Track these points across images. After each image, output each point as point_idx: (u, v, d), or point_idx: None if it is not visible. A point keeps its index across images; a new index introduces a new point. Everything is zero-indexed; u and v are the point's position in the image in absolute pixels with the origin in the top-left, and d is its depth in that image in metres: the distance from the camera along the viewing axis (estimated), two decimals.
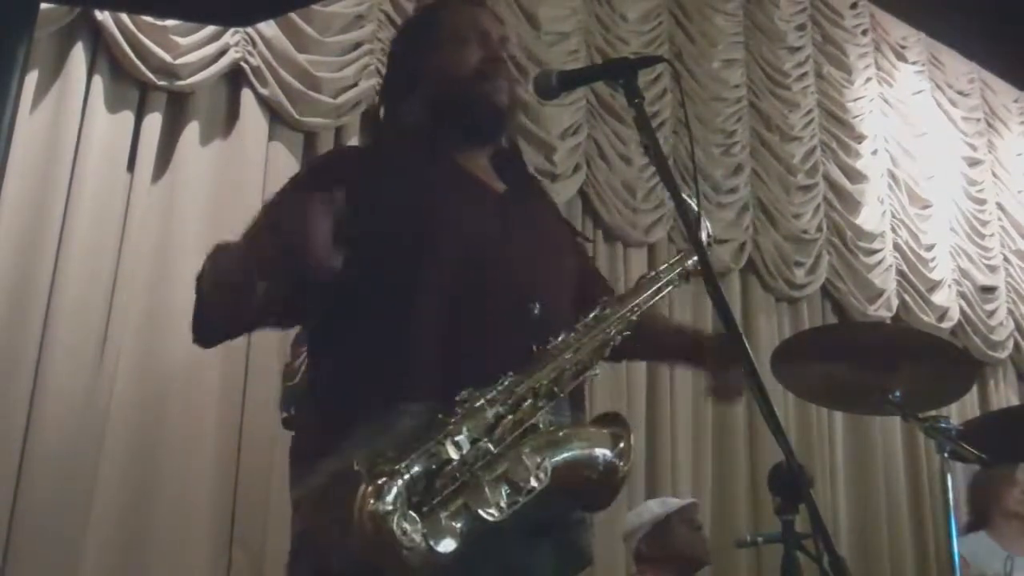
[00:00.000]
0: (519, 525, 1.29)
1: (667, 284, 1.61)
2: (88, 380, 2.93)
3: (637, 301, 1.55)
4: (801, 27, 5.53)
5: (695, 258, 1.63)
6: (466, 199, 1.58)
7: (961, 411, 4.92)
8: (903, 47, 6.09)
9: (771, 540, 2.58)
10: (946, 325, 5.51)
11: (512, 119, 1.70)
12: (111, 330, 3.01)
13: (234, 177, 3.35)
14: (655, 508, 3.32)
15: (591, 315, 1.50)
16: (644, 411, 4.22)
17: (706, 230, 1.68)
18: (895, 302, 5.37)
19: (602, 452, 1.40)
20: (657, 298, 1.59)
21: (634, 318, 1.54)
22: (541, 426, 1.36)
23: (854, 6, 5.88)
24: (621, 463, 1.41)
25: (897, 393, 2.55)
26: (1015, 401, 5.80)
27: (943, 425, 2.55)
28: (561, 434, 1.39)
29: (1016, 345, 5.93)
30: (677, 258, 1.67)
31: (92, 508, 2.85)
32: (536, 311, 1.50)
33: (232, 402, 3.12)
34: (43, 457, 2.78)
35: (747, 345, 1.30)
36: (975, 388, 5.22)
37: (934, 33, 6.21)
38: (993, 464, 3.34)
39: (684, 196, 1.46)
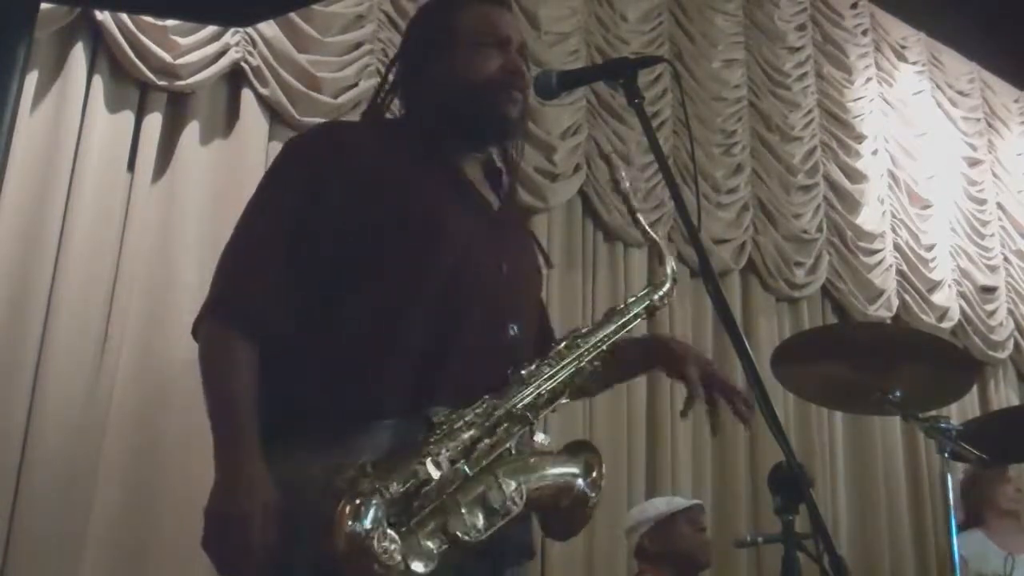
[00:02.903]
0: (475, 552, 1.29)
1: (635, 317, 1.60)
2: (88, 380, 2.93)
3: (607, 333, 1.54)
4: (801, 27, 5.53)
5: (663, 291, 1.64)
6: (465, 210, 1.55)
7: (961, 411, 4.91)
8: (903, 47, 6.09)
9: (771, 540, 2.59)
10: (946, 325, 5.51)
11: (519, 131, 1.66)
12: (111, 330, 3.01)
13: (234, 177, 3.34)
14: (661, 506, 3.33)
15: (563, 344, 1.49)
16: (644, 411, 4.22)
17: (671, 266, 1.68)
18: (895, 302, 5.36)
19: (576, 480, 1.41)
20: (625, 331, 1.58)
21: (604, 348, 1.52)
22: (513, 452, 1.36)
23: (854, 6, 5.88)
24: (592, 493, 1.42)
25: (897, 393, 2.55)
26: (1015, 401, 5.79)
27: (943, 425, 2.56)
28: (535, 460, 1.39)
29: (1016, 345, 5.92)
30: (645, 291, 1.65)
31: (92, 508, 2.85)
32: (513, 333, 1.50)
33: None
34: (43, 457, 2.78)
35: (747, 345, 1.30)
36: (975, 388, 5.20)
37: (934, 33, 6.21)
38: (989, 465, 3.34)
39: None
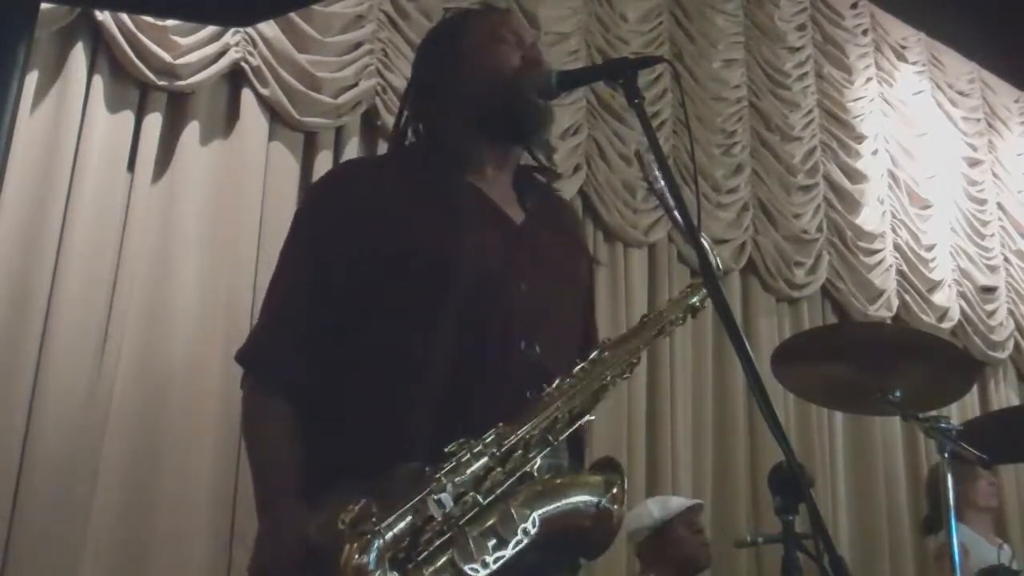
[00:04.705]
0: (516, 571, 1.28)
1: (670, 323, 1.57)
2: (88, 380, 2.93)
3: (638, 343, 1.51)
4: (801, 27, 5.53)
5: (701, 295, 1.60)
6: (479, 233, 1.54)
7: (961, 411, 4.92)
8: (903, 47, 6.09)
9: (771, 540, 2.59)
10: (946, 325, 5.51)
11: (549, 122, 1.66)
12: (111, 330, 3.01)
13: (234, 177, 3.35)
14: (655, 512, 3.30)
15: (589, 358, 1.47)
16: (644, 411, 4.22)
17: (717, 265, 1.64)
18: (895, 302, 5.36)
19: (595, 499, 1.39)
20: (659, 338, 1.55)
21: (635, 361, 1.50)
22: (536, 474, 1.35)
23: (854, 6, 5.88)
24: (614, 507, 1.39)
25: (897, 393, 2.55)
26: (1015, 401, 5.80)
27: (943, 425, 2.55)
28: (553, 483, 1.37)
29: (1016, 345, 5.92)
30: (681, 296, 1.62)
31: (92, 508, 2.85)
32: (537, 352, 1.49)
33: (232, 402, 3.10)
34: (43, 457, 2.78)
35: (747, 345, 1.30)
36: (975, 388, 5.21)
37: (934, 33, 6.21)
38: (989, 465, 3.34)
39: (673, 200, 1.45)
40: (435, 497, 1.24)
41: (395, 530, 1.21)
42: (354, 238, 1.51)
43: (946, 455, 2.54)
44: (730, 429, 4.52)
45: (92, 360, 2.95)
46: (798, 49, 5.47)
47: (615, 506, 1.39)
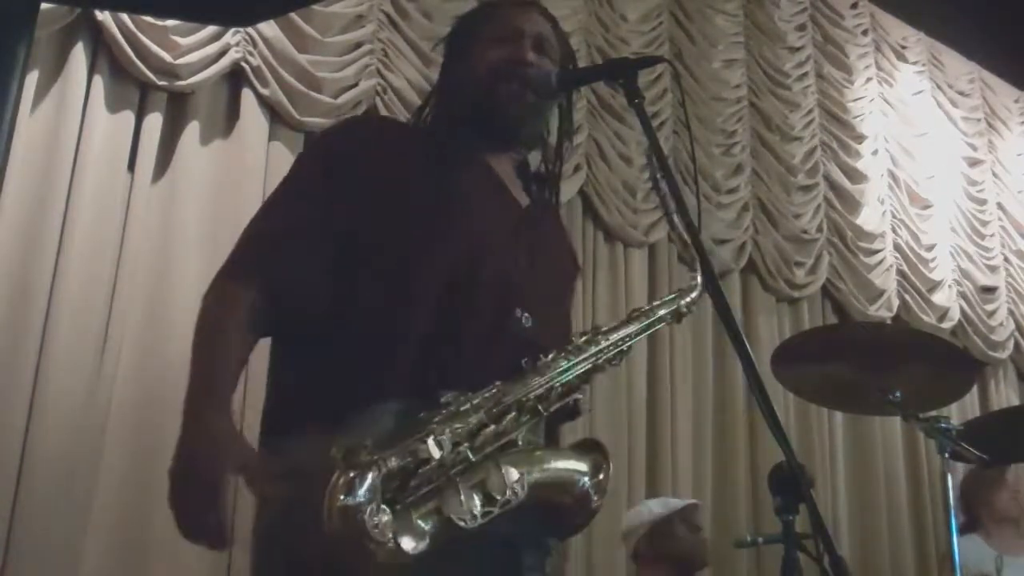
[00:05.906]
0: (487, 541, 1.27)
1: (659, 320, 1.57)
2: (88, 380, 2.93)
3: (629, 332, 1.52)
4: (801, 27, 5.53)
5: (691, 297, 1.61)
6: (483, 204, 1.56)
7: (961, 411, 4.91)
8: (903, 47, 6.09)
9: (771, 540, 2.58)
10: (946, 325, 5.51)
11: (525, 126, 1.64)
12: (111, 330, 3.01)
13: (234, 177, 3.35)
14: (656, 508, 3.31)
15: (583, 338, 1.47)
16: (644, 411, 4.22)
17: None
18: (895, 302, 5.37)
19: (581, 478, 1.38)
20: (648, 333, 1.56)
21: (624, 349, 1.50)
22: (520, 442, 1.34)
23: (854, 6, 5.88)
24: (595, 495, 1.39)
25: (897, 393, 2.55)
26: (1015, 401, 5.79)
27: (943, 425, 2.55)
28: (541, 453, 1.37)
29: (1016, 345, 5.92)
30: (673, 295, 1.61)
31: (92, 508, 2.86)
32: (528, 324, 1.48)
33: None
34: (43, 457, 2.78)
35: (747, 345, 1.30)
36: (975, 388, 5.20)
37: (934, 33, 6.21)
38: (989, 465, 3.34)
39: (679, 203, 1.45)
40: (437, 438, 1.22)
41: (389, 466, 1.19)
42: (355, 192, 1.49)
43: (946, 455, 2.54)
44: (730, 429, 4.52)
45: (92, 360, 2.95)
46: (798, 49, 5.47)
47: (596, 494, 1.39)
